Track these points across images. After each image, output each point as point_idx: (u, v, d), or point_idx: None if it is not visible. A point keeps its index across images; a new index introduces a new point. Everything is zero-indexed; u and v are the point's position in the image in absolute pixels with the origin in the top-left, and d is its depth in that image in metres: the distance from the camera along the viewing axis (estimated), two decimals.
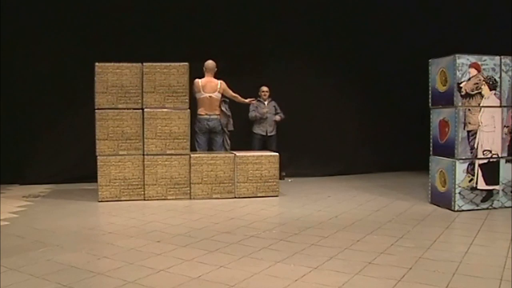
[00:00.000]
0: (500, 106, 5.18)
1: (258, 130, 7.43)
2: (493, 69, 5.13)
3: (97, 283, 3.00)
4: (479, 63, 5.09)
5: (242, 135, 7.24)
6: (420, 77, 6.10)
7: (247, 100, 6.81)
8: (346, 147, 8.26)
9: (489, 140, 5.14)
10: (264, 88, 7.46)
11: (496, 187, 5.18)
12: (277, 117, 7.44)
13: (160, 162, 5.86)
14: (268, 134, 7.45)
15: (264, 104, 7.45)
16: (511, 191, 5.23)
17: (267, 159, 6.08)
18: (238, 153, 6.11)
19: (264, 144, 7.43)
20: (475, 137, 5.09)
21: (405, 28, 7.95)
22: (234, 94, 6.64)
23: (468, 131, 5.08)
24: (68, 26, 7.16)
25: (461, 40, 6.91)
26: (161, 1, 7.43)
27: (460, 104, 5.05)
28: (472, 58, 5.08)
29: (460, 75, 5.03)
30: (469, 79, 5.06)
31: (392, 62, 8.00)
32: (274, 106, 7.51)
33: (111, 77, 5.78)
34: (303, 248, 3.72)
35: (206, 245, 3.81)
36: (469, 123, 5.07)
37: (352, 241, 3.91)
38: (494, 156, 5.16)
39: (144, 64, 5.87)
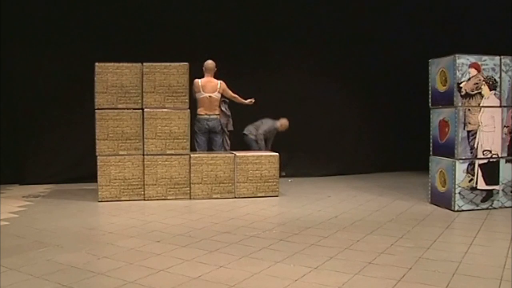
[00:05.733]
0: (500, 106, 5.18)
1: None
2: (493, 69, 5.13)
3: (97, 283, 3.00)
4: (479, 63, 5.09)
5: (242, 135, 7.24)
6: (420, 77, 6.10)
7: (247, 101, 6.80)
8: (346, 147, 8.26)
9: (489, 140, 5.14)
10: (287, 124, 7.47)
11: (496, 187, 5.18)
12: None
13: (160, 162, 5.86)
14: None
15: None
16: (511, 191, 5.23)
17: (267, 159, 6.08)
18: (238, 153, 6.11)
19: None
20: (475, 137, 5.09)
21: (405, 28, 7.95)
22: (233, 95, 6.63)
23: (468, 131, 5.08)
24: (68, 26, 7.16)
25: (461, 40, 6.91)
26: (161, 1, 7.44)
27: (460, 104, 5.05)
28: (472, 58, 5.08)
29: (460, 75, 5.03)
30: (469, 79, 5.06)
31: (392, 62, 8.00)
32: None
33: (111, 77, 5.78)
34: (303, 248, 3.72)
35: (206, 245, 3.81)
36: (469, 123, 5.07)
37: (352, 241, 3.91)
38: (494, 156, 5.16)
39: (144, 64, 5.87)
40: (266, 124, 7.37)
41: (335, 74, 8.04)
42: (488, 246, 3.81)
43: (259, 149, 7.28)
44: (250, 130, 7.33)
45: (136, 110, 5.86)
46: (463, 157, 5.08)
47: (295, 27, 7.91)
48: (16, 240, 3.98)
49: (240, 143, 7.03)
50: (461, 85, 5.04)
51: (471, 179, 5.11)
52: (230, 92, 6.60)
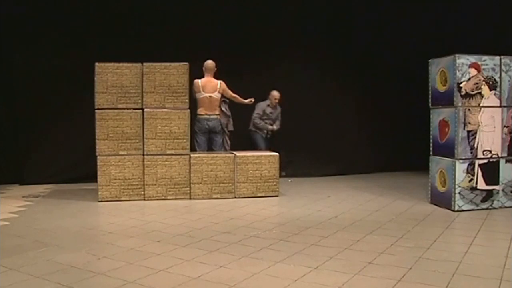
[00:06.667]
0: (500, 106, 5.18)
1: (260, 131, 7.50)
2: (493, 69, 5.13)
3: (97, 283, 3.00)
4: (479, 63, 5.09)
5: (242, 135, 7.24)
6: (420, 77, 6.10)
7: (246, 101, 6.80)
8: (346, 147, 8.25)
9: (489, 140, 5.14)
10: (276, 95, 7.40)
11: (496, 187, 5.18)
12: (273, 127, 7.47)
13: (160, 162, 5.86)
14: (268, 136, 7.54)
15: (275, 109, 7.49)
16: (511, 191, 5.23)
17: (267, 159, 6.08)
18: (238, 153, 6.11)
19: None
20: (475, 137, 5.09)
21: (405, 28, 7.96)
22: (233, 95, 6.63)
23: (468, 131, 5.08)
24: (68, 26, 7.16)
25: (461, 40, 6.91)
26: (161, 1, 7.44)
27: (460, 104, 5.05)
28: (472, 58, 5.08)
29: (460, 75, 5.03)
30: (469, 79, 5.06)
31: (392, 62, 8.00)
32: (278, 113, 7.54)
33: (111, 77, 5.78)
34: (303, 248, 3.72)
35: (206, 245, 3.81)
36: (469, 123, 5.07)
37: (352, 241, 3.91)
38: (494, 156, 5.16)
39: (144, 64, 5.87)
40: (258, 107, 7.41)
41: (335, 74, 8.05)
42: (488, 246, 3.81)
43: (265, 146, 7.30)
44: (251, 123, 7.46)
45: (136, 110, 5.86)
46: (463, 157, 5.08)
47: (295, 28, 7.91)
48: (16, 240, 3.98)
49: (240, 143, 7.02)
50: (461, 85, 5.04)
51: (471, 179, 5.11)
52: (230, 92, 6.61)
